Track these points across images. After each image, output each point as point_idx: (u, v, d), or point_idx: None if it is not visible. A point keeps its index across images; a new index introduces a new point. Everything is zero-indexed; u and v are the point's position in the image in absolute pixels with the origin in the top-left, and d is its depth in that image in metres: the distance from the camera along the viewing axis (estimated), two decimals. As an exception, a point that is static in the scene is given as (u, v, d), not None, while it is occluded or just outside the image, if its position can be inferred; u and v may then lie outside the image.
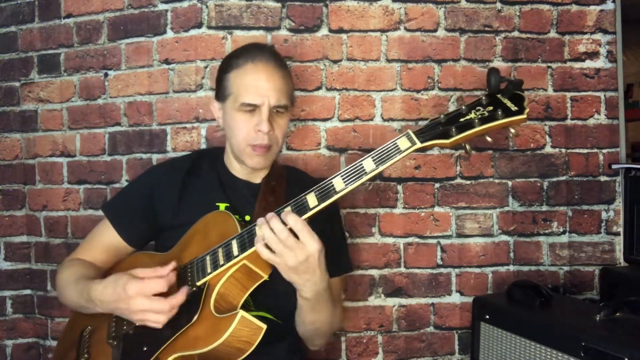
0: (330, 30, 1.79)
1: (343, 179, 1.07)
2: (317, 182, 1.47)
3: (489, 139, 1.03)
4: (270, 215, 1.08)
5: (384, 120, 1.81)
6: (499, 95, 1.02)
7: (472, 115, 1.01)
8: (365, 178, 1.06)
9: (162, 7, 1.81)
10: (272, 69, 1.30)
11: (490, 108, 1.01)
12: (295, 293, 1.40)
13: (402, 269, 1.81)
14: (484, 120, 1.00)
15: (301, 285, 1.13)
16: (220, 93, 1.34)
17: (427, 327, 1.83)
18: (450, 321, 1.83)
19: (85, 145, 1.91)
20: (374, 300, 1.81)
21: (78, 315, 1.35)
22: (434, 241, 1.82)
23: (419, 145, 1.04)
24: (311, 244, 1.06)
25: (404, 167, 1.81)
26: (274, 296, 1.28)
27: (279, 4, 1.78)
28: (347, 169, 1.08)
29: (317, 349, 1.44)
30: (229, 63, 1.33)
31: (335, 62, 1.79)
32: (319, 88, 1.79)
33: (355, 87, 1.80)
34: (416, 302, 1.82)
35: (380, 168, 1.05)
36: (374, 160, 1.06)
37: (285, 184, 1.40)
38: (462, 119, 1.02)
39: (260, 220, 1.09)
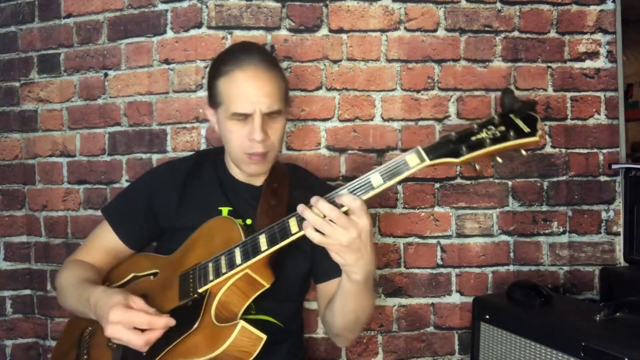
0: (330, 30, 1.79)
1: (381, 175, 1.05)
2: (321, 180, 1.53)
3: (499, 159, 1.01)
4: (315, 198, 1.06)
5: (384, 120, 1.81)
6: (511, 115, 1.01)
7: (484, 134, 1.00)
8: (371, 193, 1.05)
9: (162, 7, 1.81)
10: (262, 73, 1.25)
11: (503, 128, 0.99)
12: (296, 298, 1.42)
13: (402, 269, 1.81)
14: (495, 140, 0.99)
15: (353, 266, 1.09)
16: (212, 100, 1.32)
17: (427, 327, 1.83)
18: (450, 321, 1.83)
19: (85, 145, 1.91)
20: (374, 300, 1.81)
21: (79, 317, 1.33)
22: (434, 241, 1.82)
23: (427, 163, 1.02)
24: (363, 219, 1.04)
25: (404, 167, 1.81)
26: (276, 300, 1.27)
27: (279, 4, 1.78)
28: (357, 181, 1.06)
29: (346, 345, 1.39)
30: (217, 69, 1.29)
31: (335, 62, 1.79)
32: (319, 88, 1.79)
33: (355, 87, 1.80)
34: (416, 302, 1.82)
35: (388, 183, 1.04)
36: (381, 175, 1.05)
37: (288, 184, 1.39)
38: (473, 138, 1.00)
39: (300, 207, 1.06)
